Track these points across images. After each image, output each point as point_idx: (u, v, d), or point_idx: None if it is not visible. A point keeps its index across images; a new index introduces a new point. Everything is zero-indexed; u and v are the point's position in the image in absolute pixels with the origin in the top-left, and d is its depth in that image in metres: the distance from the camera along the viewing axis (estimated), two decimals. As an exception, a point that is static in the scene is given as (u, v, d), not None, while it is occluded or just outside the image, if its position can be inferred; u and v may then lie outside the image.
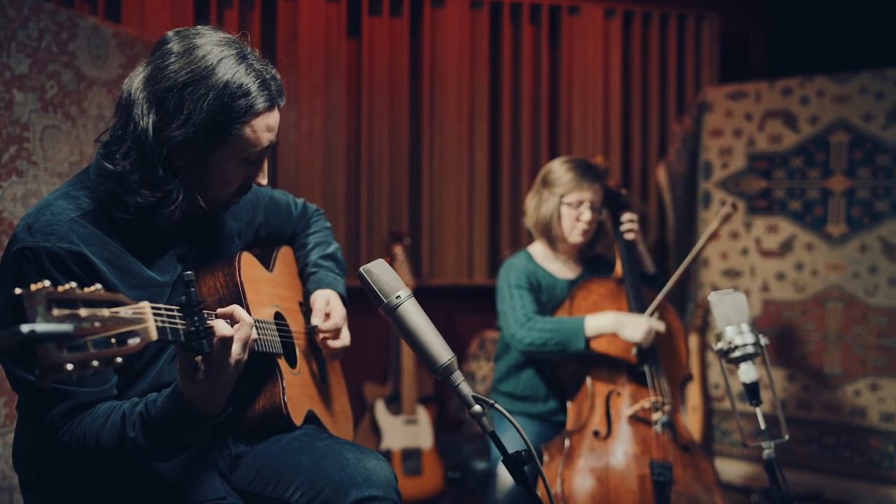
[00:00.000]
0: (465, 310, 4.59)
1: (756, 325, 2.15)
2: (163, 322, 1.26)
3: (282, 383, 1.73)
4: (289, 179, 4.35)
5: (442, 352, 1.61)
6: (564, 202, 2.81)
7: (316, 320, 1.94)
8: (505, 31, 4.55)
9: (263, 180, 1.71)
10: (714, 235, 2.89)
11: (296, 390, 1.81)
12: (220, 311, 1.41)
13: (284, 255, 2.06)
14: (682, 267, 2.75)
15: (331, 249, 2.16)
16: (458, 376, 1.61)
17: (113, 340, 1.11)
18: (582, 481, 2.50)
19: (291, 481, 1.64)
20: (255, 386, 1.75)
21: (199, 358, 1.38)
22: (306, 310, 2.06)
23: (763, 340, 2.11)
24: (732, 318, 2.12)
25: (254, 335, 1.47)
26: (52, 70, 2.85)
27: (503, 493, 2.61)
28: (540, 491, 2.54)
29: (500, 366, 2.98)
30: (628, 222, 2.91)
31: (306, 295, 2.05)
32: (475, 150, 4.56)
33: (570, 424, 2.70)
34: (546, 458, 2.58)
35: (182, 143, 1.54)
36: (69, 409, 1.49)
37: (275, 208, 2.07)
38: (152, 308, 1.24)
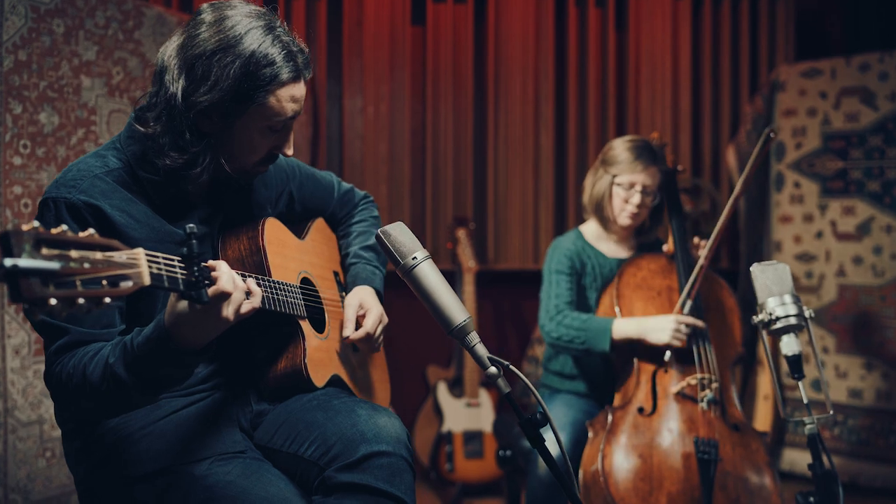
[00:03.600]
0: (530, 294, 4.54)
1: (800, 299, 2.07)
2: (159, 269, 1.31)
3: (303, 345, 1.77)
4: (355, 165, 4.42)
5: (458, 313, 1.62)
6: (616, 182, 2.76)
7: (346, 331, 1.93)
8: (570, 14, 4.51)
9: (289, 150, 1.76)
10: (753, 169, 2.68)
11: (321, 354, 1.85)
12: (210, 263, 1.44)
13: (320, 225, 2.10)
14: (717, 229, 2.62)
15: (373, 240, 2.16)
16: (473, 337, 1.62)
17: (104, 282, 1.16)
18: (624, 458, 2.46)
19: (306, 437, 1.68)
20: (277, 347, 1.79)
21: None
22: (341, 280, 2.10)
23: (807, 312, 2.04)
24: (774, 289, 2.05)
25: (255, 303, 1.51)
26: (118, 57, 2.98)
27: (544, 469, 2.60)
28: (583, 468, 2.52)
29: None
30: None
31: (348, 287, 2.08)
32: (541, 135, 4.53)
33: (616, 401, 2.66)
34: (591, 434, 2.56)
35: (208, 108, 1.61)
36: (64, 345, 1.56)
37: (312, 184, 2.11)
38: (148, 255, 1.28)
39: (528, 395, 4.35)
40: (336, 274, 2.10)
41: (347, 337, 1.93)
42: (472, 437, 4.02)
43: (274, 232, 1.81)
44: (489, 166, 4.51)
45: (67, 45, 2.81)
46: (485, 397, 4.14)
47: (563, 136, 4.58)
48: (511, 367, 1.61)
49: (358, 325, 1.96)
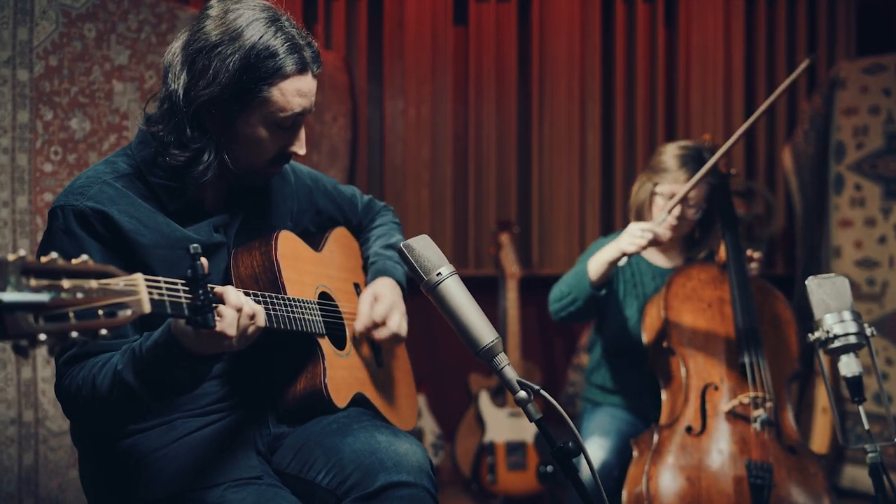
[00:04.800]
0: (576, 301, 4.44)
1: (861, 315, 1.91)
2: (160, 295, 1.24)
3: (323, 364, 1.68)
4: (396, 169, 4.34)
5: (485, 333, 1.53)
6: (657, 192, 2.61)
7: (358, 324, 1.85)
8: (618, 10, 4.37)
9: (301, 150, 1.68)
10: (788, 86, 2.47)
11: (342, 372, 1.75)
12: (216, 289, 1.37)
13: (338, 235, 2.00)
14: (750, 120, 2.39)
15: (394, 240, 2.08)
16: (502, 359, 1.53)
17: (100, 312, 1.10)
18: (671, 480, 2.32)
19: (324, 464, 1.59)
20: (296, 367, 1.70)
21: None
22: (362, 292, 2.01)
23: (869, 330, 1.88)
24: (832, 305, 1.90)
25: (260, 322, 1.44)
26: (150, 61, 2.94)
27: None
28: (627, 489, 2.39)
29: (592, 356, 2.85)
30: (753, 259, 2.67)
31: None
32: (587, 136, 4.40)
33: (663, 419, 2.52)
34: (635, 453, 2.42)
35: (208, 102, 1.56)
36: (73, 356, 1.52)
37: (338, 198, 2.04)
38: (147, 280, 1.22)
39: (573, 402, 4.21)
40: (356, 286, 2.00)
41: (357, 329, 1.85)
42: (515, 449, 3.90)
43: (288, 246, 1.72)
44: (534, 169, 4.40)
45: (99, 49, 2.77)
46: (528, 407, 4.01)
47: (610, 137, 4.44)
48: (542, 391, 1.51)
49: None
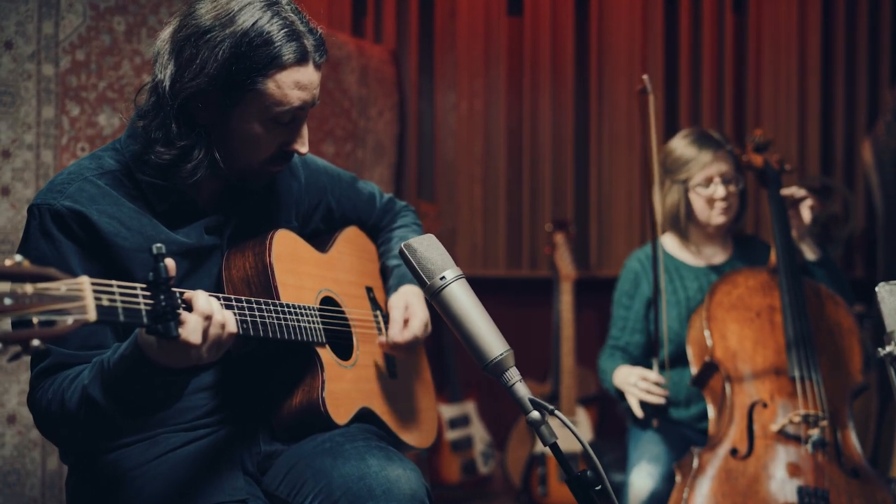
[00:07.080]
0: (636, 304, 4.22)
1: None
2: (111, 301, 1.11)
3: (322, 376, 1.53)
4: (447, 164, 4.21)
5: (494, 345, 1.36)
6: (691, 187, 2.47)
7: (393, 331, 1.70)
8: (682, -4, 4.16)
9: (303, 148, 1.53)
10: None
11: (345, 384, 1.60)
12: (186, 294, 1.24)
13: (350, 235, 1.85)
14: None
15: None
16: (512, 374, 1.36)
17: (35, 320, 0.98)
18: (710, 509, 2.11)
19: (312, 487, 1.44)
20: (292, 379, 1.56)
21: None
22: (375, 297, 1.85)
23: (950, 345, 1.64)
24: (906, 316, 1.66)
25: (230, 328, 1.30)
26: (183, 54, 2.86)
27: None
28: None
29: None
30: (795, 195, 2.46)
31: (387, 293, 1.85)
32: (649, 130, 4.18)
33: (709, 440, 2.31)
34: (678, 478, 2.22)
35: (196, 94, 1.42)
36: (46, 368, 1.41)
37: (354, 195, 1.90)
38: (95, 284, 1.09)
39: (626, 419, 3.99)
40: (369, 290, 1.84)
41: (392, 340, 1.71)
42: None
43: (286, 246, 1.58)
44: (591, 165, 4.23)
45: (129, 43, 2.69)
46: (582, 416, 3.82)
47: (673, 132, 4.18)
48: (557, 412, 1.33)
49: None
